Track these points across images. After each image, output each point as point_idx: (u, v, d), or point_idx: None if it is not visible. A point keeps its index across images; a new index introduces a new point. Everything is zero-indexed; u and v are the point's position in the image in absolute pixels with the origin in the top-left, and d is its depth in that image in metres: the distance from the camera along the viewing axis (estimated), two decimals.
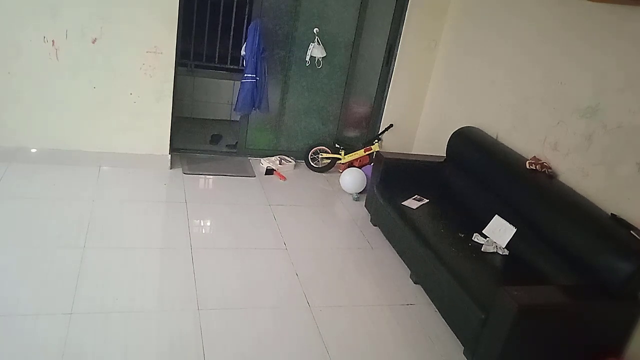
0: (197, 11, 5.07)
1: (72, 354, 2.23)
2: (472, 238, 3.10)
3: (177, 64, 3.96)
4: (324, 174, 4.67)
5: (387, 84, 4.69)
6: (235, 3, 5.23)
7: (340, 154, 4.65)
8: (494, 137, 3.67)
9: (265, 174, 4.42)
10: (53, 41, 3.59)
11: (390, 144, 4.78)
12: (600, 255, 2.50)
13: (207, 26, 5.26)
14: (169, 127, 4.08)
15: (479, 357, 2.47)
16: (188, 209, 3.62)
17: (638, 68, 2.65)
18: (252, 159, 4.66)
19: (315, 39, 4.39)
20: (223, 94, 5.44)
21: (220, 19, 5.27)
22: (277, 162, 4.56)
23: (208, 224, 3.60)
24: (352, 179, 4.26)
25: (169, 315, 2.57)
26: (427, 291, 3.02)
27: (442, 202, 3.56)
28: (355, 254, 3.48)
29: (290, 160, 4.66)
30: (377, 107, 4.82)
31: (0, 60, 3.56)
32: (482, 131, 3.76)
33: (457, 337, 2.68)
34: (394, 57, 4.58)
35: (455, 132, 3.83)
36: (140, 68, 3.82)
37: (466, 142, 3.73)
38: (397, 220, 3.34)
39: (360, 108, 4.89)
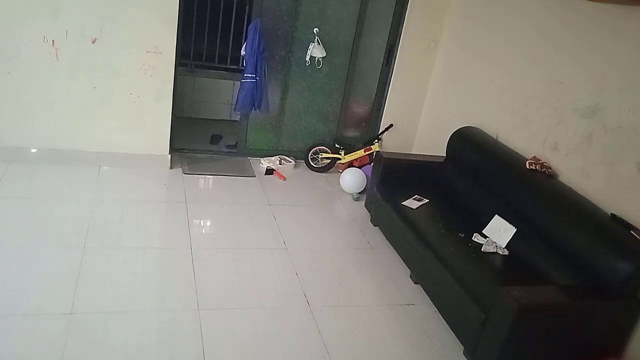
0: (197, 11, 5.07)
1: (72, 354, 2.23)
2: (472, 238, 3.10)
3: (177, 64, 3.96)
4: (324, 174, 4.67)
5: (387, 84, 4.69)
6: (235, 3, 5.23)
7: (340, 154, 4.65)
8: (494, 137, 3.67)
9: (265, 174, 4.42)
10: (53, 41, 3.59)
11: (390, 144, 4.78)
12: (600, 255, 2.50)
13: (207, 26, 5.26)
14: (169, 127, 4.08)
15: (479, 357, 2.47)
16: (188, 209, 3.62)
17: (638, 68, 2.65)
18: (252, 159, 4.65)
19: (315, 39, 4.39)
20: (223, 94, 5.44)
21: (220, 19, 5.27)
22: (277, 162, 4.56)
23: (208, 224, 3.60)
24: (352, 179, 4.26)
25: (169, 315, 2.57)
26: (427, 291, 3.02)
27: (442, 202, 3.56)
28: (355, 254, 3.48)
29: (290, 160, 4.66)
30: (377, 107, 4.82)
31: (0, 60, 3.56)
32: (482, 131, 3.76)
33: (457, 337, 2.68)
34: (394, 57, 4.58)
35: (455, 132, 3.83)
36: (140, 68, 3.82)
37: (466, 142, 3.73)
38: (397, 220, 3.34)
39: (360, 108, 4.89)
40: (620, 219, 2.59)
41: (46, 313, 2.44)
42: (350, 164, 4.60)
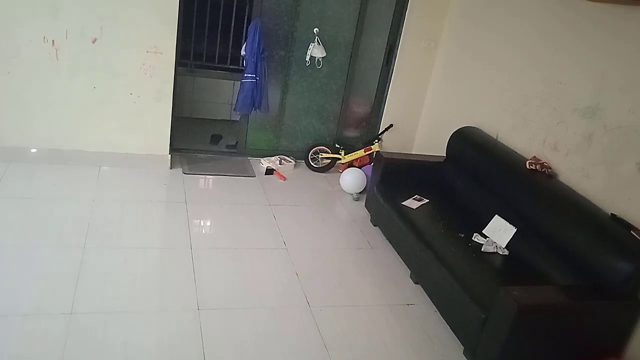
0: (197, 11, 5.07)
1: (72, 354, 2.23)
2: (472, 238, 3.10)
3: (177, 64, 3.96)
4: (324, 174, 4.67)
5: (387, 84, 4.69)
6: (235, 3, 5.23)
7: (340, 154, 4.65)
8: (494, 137, 3.67)
9: (265, 174, 4.42)
10: (53, 41, 3.59)
11: (390, 144, 4.78)
12: (600, 255, 2.50)
13: (207, 26, 5.26)
14: (169, 127, 4.08)
15: (479, 357, 2.47)
16: (188, 209, 3.62)
17: (638, 68, 2.65)
18: (252, 159, 4.65)
19: (315, 39, 4.39)
20: (223, 94, 5.44)
21: (220, 19, 5.27)
22: (277, 162, 4.56)
23: (208, 224, 3.60)
24: (352, 179, 4.26)
25: (169, 315, 2.57)
26: (427, 291, 3.02)
27: (442, 202, 3.56)
28: (355, 254, 3.48)
29: (290, 160, 4.66)
30: (377, 107, 4.82)
31: (0, 60, 3.56)
32: (482, 131, 3.76)
33: (457, 337, 2.68)
34: (394, 57, 4.58)
35: (455, 132, 3.83)
36: (140, 68, 3.82)
37: (466, 142, 3.73)
38: (397, 220, 3.34)
39: (360, 108, 4.88)
40: (620, 219, 2.59)
41: (46, 313, 2.44)
42: (351, 164, 4.60)
